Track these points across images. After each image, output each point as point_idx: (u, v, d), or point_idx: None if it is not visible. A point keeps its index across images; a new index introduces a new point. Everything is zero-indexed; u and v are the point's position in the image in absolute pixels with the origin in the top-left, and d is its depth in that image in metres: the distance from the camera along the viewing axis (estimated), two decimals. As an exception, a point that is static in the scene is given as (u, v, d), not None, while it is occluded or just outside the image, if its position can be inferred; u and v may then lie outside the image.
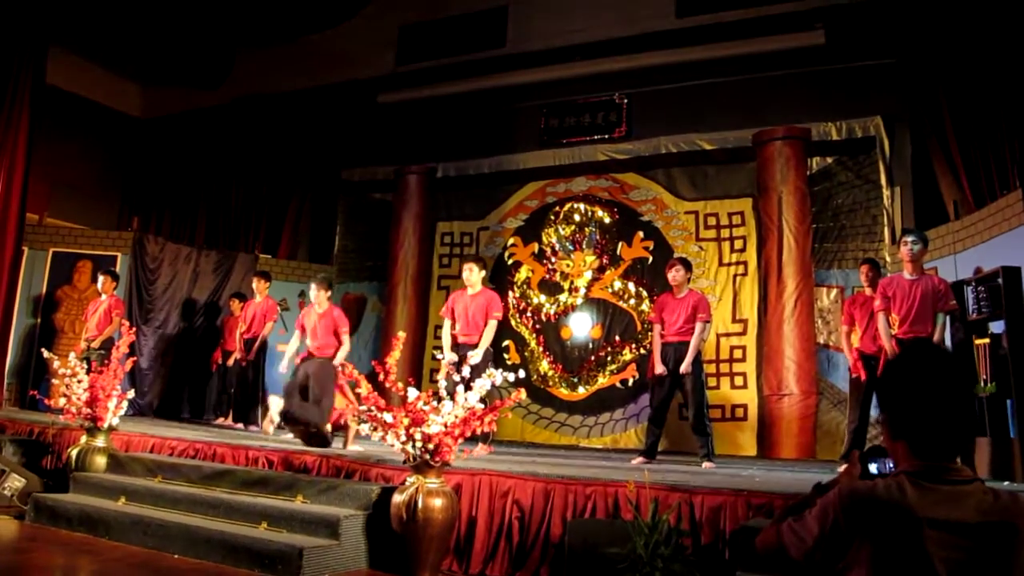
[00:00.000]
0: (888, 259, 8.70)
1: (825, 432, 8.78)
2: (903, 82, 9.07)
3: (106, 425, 6.63)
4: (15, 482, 6.57)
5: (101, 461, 6.54)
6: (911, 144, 9.12)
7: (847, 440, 7.02)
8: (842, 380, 8.63)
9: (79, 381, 6.60)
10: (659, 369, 6.95)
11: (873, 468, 1.88)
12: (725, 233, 9.89)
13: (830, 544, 1.68)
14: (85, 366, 6.82)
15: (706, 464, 6.63)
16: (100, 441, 6.63)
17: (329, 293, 8.04)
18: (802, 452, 8.73)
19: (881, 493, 1.65)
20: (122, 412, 6.76)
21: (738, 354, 9.53)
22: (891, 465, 1.85)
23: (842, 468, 2.00)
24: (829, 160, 9.48)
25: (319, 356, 7.43)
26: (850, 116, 9.35)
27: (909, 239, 6.13)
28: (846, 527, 1.66)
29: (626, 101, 10.67)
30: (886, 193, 9.10)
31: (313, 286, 7.73)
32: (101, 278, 9.49)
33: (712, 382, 9.28)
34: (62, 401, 6.65)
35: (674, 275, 7.09)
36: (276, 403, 7.09)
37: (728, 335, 9.61)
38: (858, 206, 9.26)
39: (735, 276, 9.72)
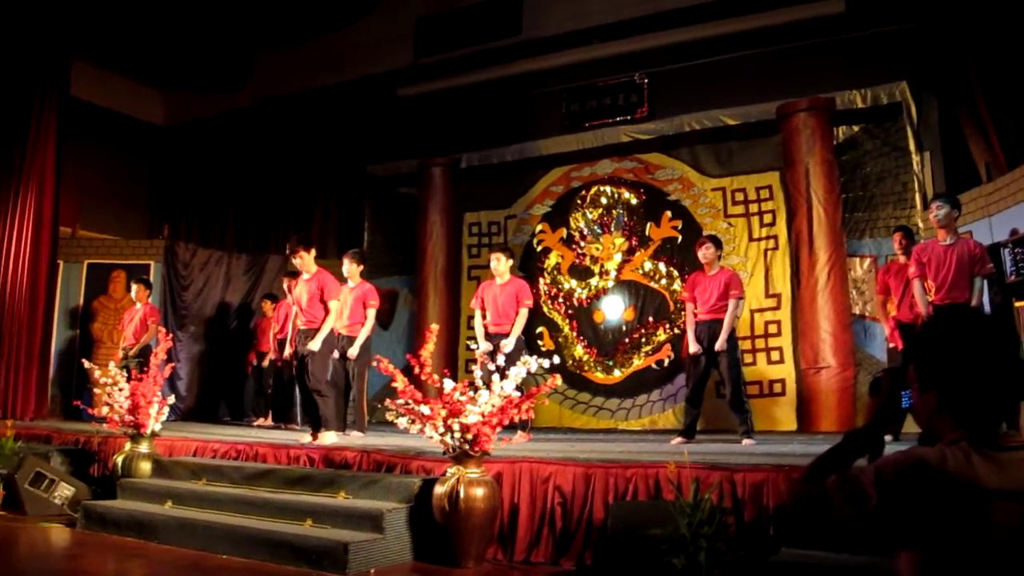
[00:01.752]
0: (921, 226, 8.59)
1: (864, 404, 8.67)
2: (927, 45, 8.93)
3: (149, 431, 6.71)
4: (65, 491, 6.69)
5: (146, 466, 6.63)
6: (938, 108, 8.97)
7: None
8: (880, 350, 8.56)
9: (120, 389, 6.68)
10: (693, 348, 6.92)
11: (904, 401, 1.83)
12: (753, 208, 9.81)
13: (887, 513, 1.63)
14: (125, 374, 6.91)
15: (746, 441, 6.59)
16: (144, 447, 6.72)
17: (361, 268, 8.11)
18: (842, 425, 8.64)
19: (949, 464, 1.58)
20: (163, 418, 6.84)
21: (773, 329, 9.47)
22: (907, 400, 1.81)
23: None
24: (855, 129, 9.37)
25: (348, 335, 7.48)
26: (874, 83, 9.22)
27: (935, 204, 6.07)
28: (907, 497, 1.60)
29: (646, 81, 10.59)
30: (915, 159, 8.97)
31: (345, 260, 7.77)
32: (135, 287, 9.60)
33: (748, 358, 9.24)
34: (105, 410, 6.73)
35: (704, 253, 7.06)
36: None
37: (762, 310, 9.55)
38: (887, 174, 9.14)
39: (766, 251, 9.65)
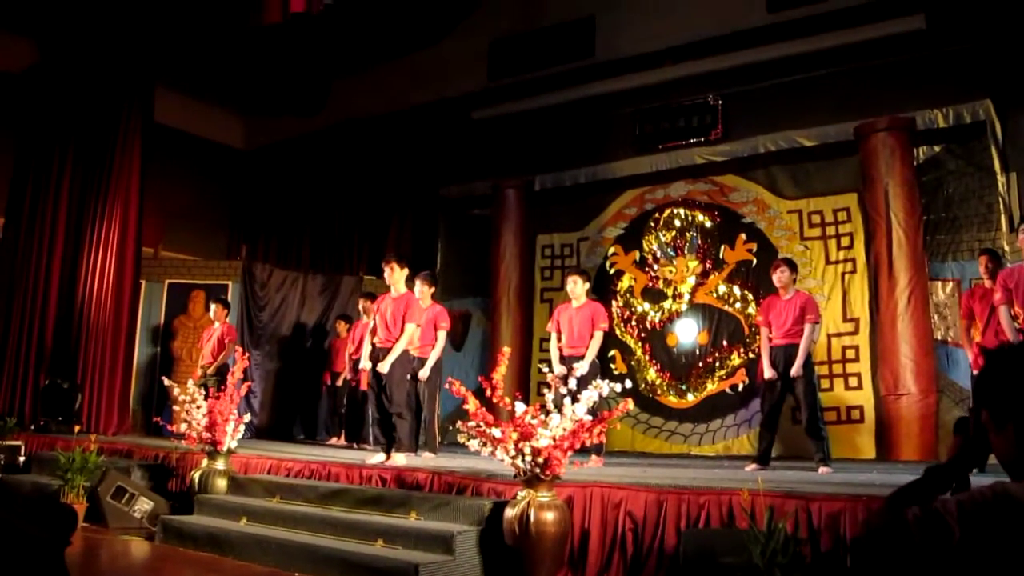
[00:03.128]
0: (1007, 248, 8.32)
1: (947, 432, 8.41)
2: (1012, 62, 8.67)
3: (225, 448, 6.84)
4: (144, 505, 6.85)
5: (222, 483, 6.75)
6: (1026, 127, 8.71)
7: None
8: (963, 377, 8.30)
9: (198, 407, 6.82)
10: (768, 373, 6.81)
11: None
12: (831, 230, 9.63)
13: (970, 549, 1.56)
14: (203, 392, 7.05)
15: (822, 469, 6.44)
16: (220, 464, 6.84)
17: (433, 289, 8.17)
18: (924, 453, 8.40)
19: None
20: (240, 435, 6.96)
21: (851, 354, 9.26)
22: None
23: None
24: (937, 148, 9.15)
25: (419, 356, 7.53)
26: (957, 101, 8.98)
27: (1025, 228, 5.87)
28: (992, 533, 1.53)
29: (720, 102, 10.49)
30: (1001, 179, 8.71)
31: (417, 281, 7.84)
32: (213, 306, 9.83)
33: (825, 384, 9.05)
34: (183, 427, 6.88)
35: (779, 276, 6.94)
36: None
37: (839, 335, 9.35)
38: (971, 194, 8.89)
39: (843, 274, 9.45)
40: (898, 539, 1.64)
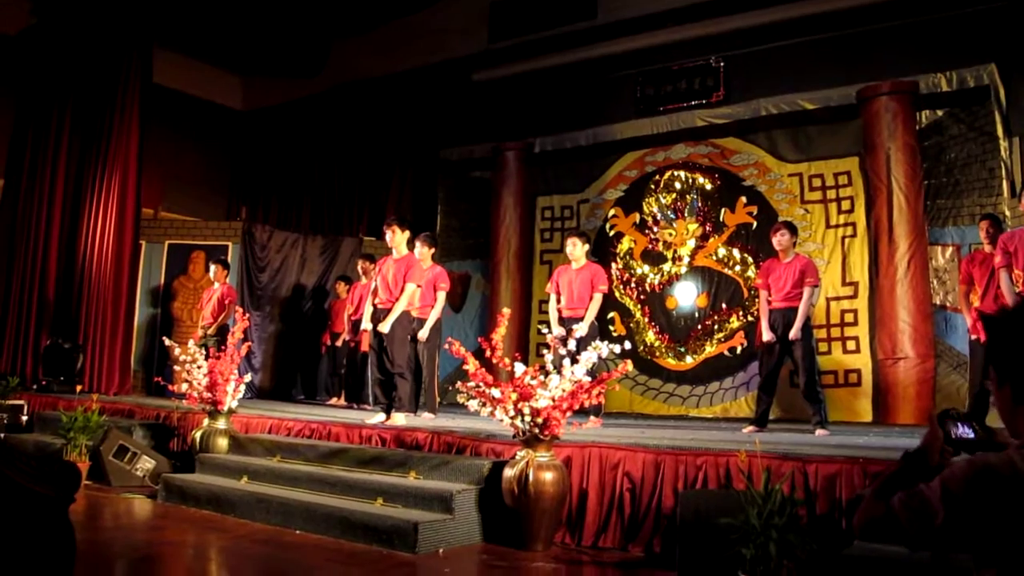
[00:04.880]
0: (1008, 214, 8.31)
1: (945, 396, 8.47)
2: (1017, 26, 8.59)
3: (226, 408, 6.88)
4: (146, 464, 6.91)
5: (223, 443, 6.81)
6: (1029, 91, 8.66)
7: (968, 404, 6.78)
8: (961, 342, 8.31)
9: (199, 367, 6.86)
10: (767, 336, 6.83)
11: (957, 431, 1.77)
12: (831, 194, 9.61)
13: (958, 527, 1.56)
14: (203, 353, 7.08)
15: (819, 431, 6.48)
16: (221, 423, 6.89)
17: (433, 251, 8.18)
18: (920, 417, 8.44)
19: (1020, 467, 1.51)
20: (240, 395, 7.00)
21: (849, 318, 9.28)
22: (970, 432, 1.76)
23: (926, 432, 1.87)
24: (939, 113, 9.09)
25: (419, 317, 7.56)
26: (961, 65, 8.91)
27: (1029, 191, 5.85)
28: (978, 508, 1.54)
29: (722, 64, 10.42)
30: (1003, 144, 8.67)
31: (417, 243, 7.84)
32: (213, 267, 9.83)
33: (823, 347, 9.07)
34: (184, 387, 6.92)
35: (779, 239, 6.93)
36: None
37: (838, 299, 9.37)
38: (973, 159, 8.85)
39: (843, 238, 9.45)
40: (888, 529, 1.66)
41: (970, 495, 1.52)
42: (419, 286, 7.13)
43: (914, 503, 1.60)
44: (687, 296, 10.44)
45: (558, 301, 7.45)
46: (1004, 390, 1.68)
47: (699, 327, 10.25)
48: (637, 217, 10.95)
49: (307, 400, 11.05)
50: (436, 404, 8.24)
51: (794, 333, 6.61)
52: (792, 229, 7.02)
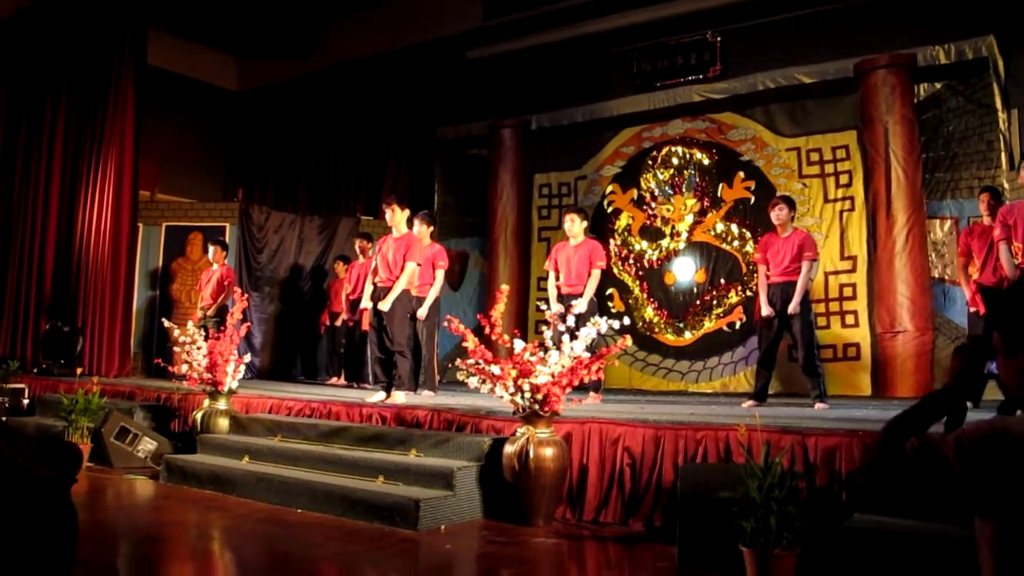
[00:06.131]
0: (1007, 186, 8.29)
1: (943, 369, 8.47)
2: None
3: (226, 389, 6.90)
4: (148, 445, 6.94)
5: (224, 423, 6.83)
6: (1028, 63, 8.61)
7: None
8: (960, 315, 8.33)
9: (198, 348, 6.87)
10: (765, 311, 6.83)
11: (990, 366, 1.77)
12: (829, 168, 9.59)
13: (968, 483, 1.56)
14: (203, 334, 7.09)
15: (818, 405, 6.50)
16: (222, 404, 6.91)
17: (432, 229, 8.16)
18: (919, 390, 8.46)
19: None
20: (240, 376, 7.02)
21: (848, 292, 9.29)
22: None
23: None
24: (938, 86, 9.05)
25: (417, 295, 7.56)
26: (959, 38, 8.86)
27: (1027, 163, 5.84)
28: (989, 467, 1.54)
29: (719, 39, 10.36)
30: (1002, 117, 8.64)
31: (415, 221, 7.82)
32: (211, 249, 9.81)
33: (822, 321, 9.09)
34: (184, 368, 6.93)
35: (777, 214, 6.93)
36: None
37: (837, 273, 9.37)
38: (971, 132, 8.82)
39: (841, 212, 9.43)
40: (897, 470, 1.66)
41: (982, 453, 1.54)
42: (419, 264, 7.13)
43: (928, 454, 1.61)
44: (685, 272, 10.44)
45: (557, 278, 7.45)
46: (1015, 359, 1.67)
47: (698, 303, 10.26)
48: (635, 193, 10.93)
49: (307, 380, 11.06)
50: (436, 382, 8.25)
51: (793, 307, 6.62)
52: (790, 204, 7.01)
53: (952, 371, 1.83)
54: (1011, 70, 8.70)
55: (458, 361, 5.14)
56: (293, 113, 13.35)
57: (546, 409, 4.79)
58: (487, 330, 5.03)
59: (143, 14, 10.76)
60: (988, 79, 8.71)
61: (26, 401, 8.82)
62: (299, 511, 5.17)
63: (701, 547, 3.94)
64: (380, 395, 6.90)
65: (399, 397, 6.76)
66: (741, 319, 9.89)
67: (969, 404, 1.82)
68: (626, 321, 5.07)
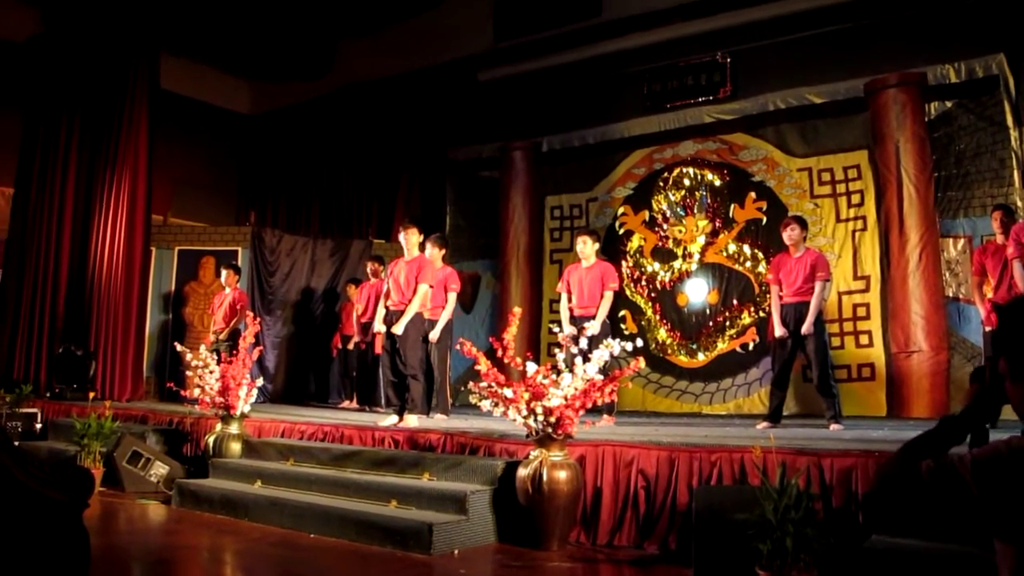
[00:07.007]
0: (1019, 204, 8.25)
1: (959, 388, 8.41)
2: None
3: (238, 412, 6.89)
4: (160, 469, 6.92)
5: (236, 447, 6.82)
6: (1039, 80, 8.59)
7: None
8: (975, 334, 8.27)
9: (211, 372, 6.87)
10: (779, 331, 6.81)
11: None
12: (841, 188, 9.56)
13: (986, 504, 1.55)
14: (215, 357, 7.09)
15: (833, 426, 6.46)
16: (234, 428, 6.90)
17: (444, 252, 8.16)
18: (935, 410, 8.40)
19: None
20: (252, 399, 7.01)
21: (862, 312, 9.23)
22: None
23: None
24: (948, 104, 9.02)
25: (430, 318, 7.55)
26: (969, 56, 8.84)
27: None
28: (1007, 488, 1.52)
29: (729, 60, 10.38)
30: (1014, 134, 8.60)
31: (427, 244, 7.82)
32: (224, 272, 9.85)
33: (836, 342, 9.03)
34: (196, 392, 6.94)
35: (790, 234, 6.92)
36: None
37: (850, 293, 9.32)
38: (983, 150, 8.78)
39: (854, 231, 9.40)
40: (911, 489, 1.64)
41: (1000, 474, 1.52)
42: (431, 287, 7.13)
43: (945, 474, 1.59)
44: (698, 293, 10.40)
45: (569, 300, 7.44)
46: (1021, 385, 1.65)
47: (710, 324, 10.22)
48: (646, 214, 10.92)
49: (319, 403, 11.05)
50: (448, 405, 8.24)
51: (806, 327, 6.60)
52: (802, 223, 7.00)
53: (970, 394, 1.81)
54: (1021, 87, 8.67)
55: (471, 384, 5.13)
56: (305, 136, 13.43)
57: (559, 432, 4.77)
58: (499, 352, 5.02)
59: (156, 39, 10.87)
60: (999, 96, 8.68)
61: (39, 425, 8.83)
62: (312, 535, 5.15)
63: (717, 570, 3.91)
64: (393, 418, 6.88)
65: (412, 420, 6.74)
66: (755, 340, 9.84)
67: (988, 424, 1.80)
68: (639, 343, 5.04)
